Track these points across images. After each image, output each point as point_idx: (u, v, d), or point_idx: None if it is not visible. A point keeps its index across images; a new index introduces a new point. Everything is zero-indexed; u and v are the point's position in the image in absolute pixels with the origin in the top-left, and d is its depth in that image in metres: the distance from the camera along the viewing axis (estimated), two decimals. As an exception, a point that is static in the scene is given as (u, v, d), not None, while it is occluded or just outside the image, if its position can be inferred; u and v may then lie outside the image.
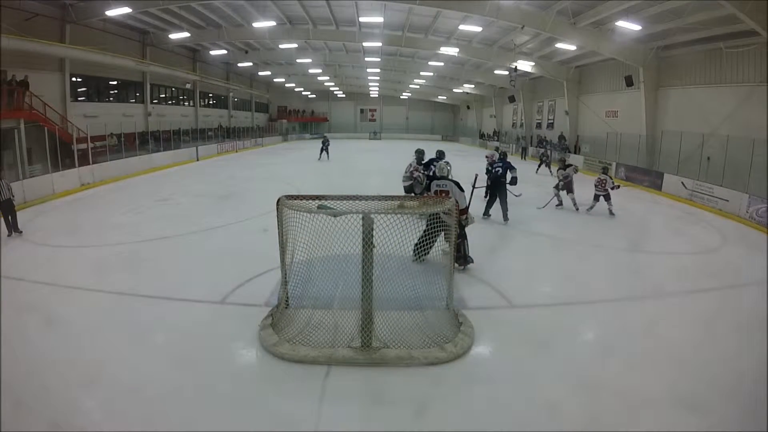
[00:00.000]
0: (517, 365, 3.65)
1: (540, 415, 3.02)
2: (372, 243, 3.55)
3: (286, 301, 4.29)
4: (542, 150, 19.85)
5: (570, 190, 9.61)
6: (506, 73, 21.01)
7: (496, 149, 16.12)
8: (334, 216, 3.77)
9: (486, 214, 8.54)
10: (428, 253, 5.10)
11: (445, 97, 38.80)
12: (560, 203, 9.84)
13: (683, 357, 3.78)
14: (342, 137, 38.72)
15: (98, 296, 4.86)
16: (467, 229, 5.69)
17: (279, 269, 4.24)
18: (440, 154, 8.56)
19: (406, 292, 4.22)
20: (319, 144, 20.92)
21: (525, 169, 18.89)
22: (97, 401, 3.14)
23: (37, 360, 3.52)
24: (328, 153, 20.16)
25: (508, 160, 8.79)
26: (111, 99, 18.35)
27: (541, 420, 2.97)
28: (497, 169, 8.49)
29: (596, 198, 9.28)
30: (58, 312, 4.41)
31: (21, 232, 7.19)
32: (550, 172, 15.15)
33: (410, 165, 8.62)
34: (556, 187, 9.80)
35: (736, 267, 6.42)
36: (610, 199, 9.18)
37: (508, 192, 8.50)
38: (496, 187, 8.43)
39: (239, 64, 27.02)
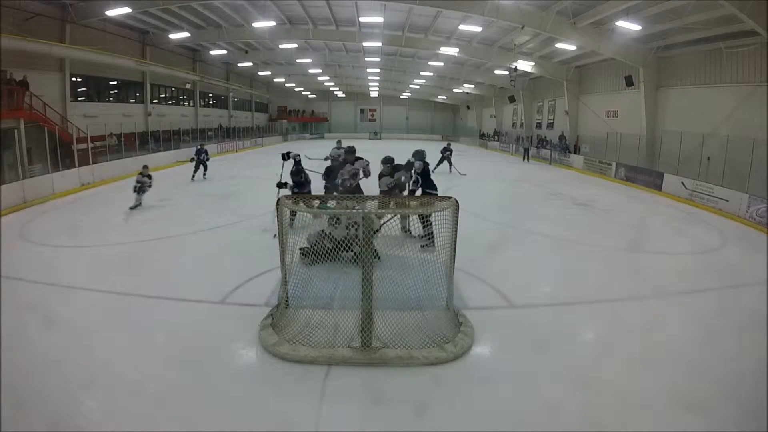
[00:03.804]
0: (517, 365, 3.65)
1: (540, 415, 3.02)
2: (372, 243, 3.55)
3: (286, 301, 4.29)
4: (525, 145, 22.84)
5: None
6: (506, 73, 21.02)
7: (448, 145, 16.75)
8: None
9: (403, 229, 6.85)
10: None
11: (445, 97, 38.80)
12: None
13: (683, 357, 3.77)
14: (342, 137, 38.62)
15: (98, 296, 4.86)
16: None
17: (279, 269, 4.25)
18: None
19: (406, 292, 4.23)
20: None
21: (524, 169, 18.98)
22: (97, 401, 3.14)
23: (37, 360, 3.52)
24: (205, 168, 13.84)
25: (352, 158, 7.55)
26: (111, 99, 18.35)
27: (541, 420, 2.97)
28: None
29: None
30: (58, 312, 4.41)
31: None
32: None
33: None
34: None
35: (736, 267, 6.41)
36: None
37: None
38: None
39: (239, 64, 27.03)
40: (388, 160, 6.92)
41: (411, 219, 6.79)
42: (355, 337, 3.70)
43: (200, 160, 13.77)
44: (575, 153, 19.80)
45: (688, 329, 4.34)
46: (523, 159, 22.33)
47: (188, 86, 24.57)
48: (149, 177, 9.33)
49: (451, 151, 16.06)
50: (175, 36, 18.67)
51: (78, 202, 10.39)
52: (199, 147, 14.19)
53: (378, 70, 29.51)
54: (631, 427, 2.91)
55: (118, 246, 6.72)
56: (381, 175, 6.97)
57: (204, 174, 13.88)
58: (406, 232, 6.81)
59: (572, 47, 16.00)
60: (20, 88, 12.52)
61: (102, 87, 17.67)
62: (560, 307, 4.80)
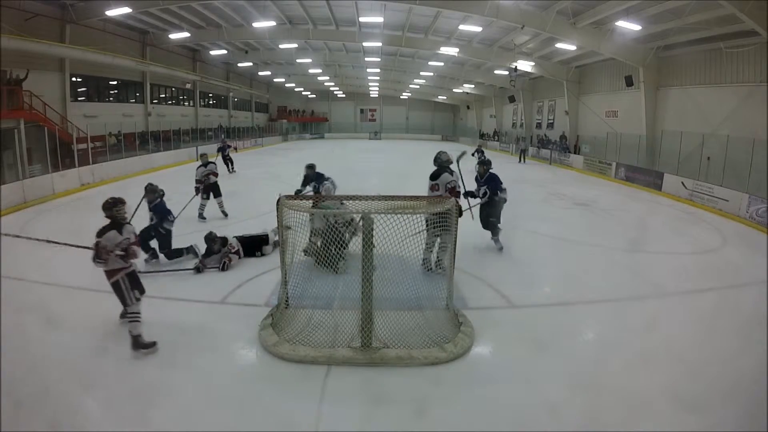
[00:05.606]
0: (517, 365, 3.65)
1: (540, 415, 3.02)
2: (372, 243, 3.54)
3: (286, 301, 4.29)
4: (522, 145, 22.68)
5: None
6: (506, 73, 21.01)
7: (479, 148, 18.05)
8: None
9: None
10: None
11: (445, 97, 38.79)
12: None
13: (683, 357, 3.77)
14: (342, 137, 38.79)
15: (98, 296, 4.83)
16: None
17: (279, 269, 4.24)
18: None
19: (406, 292, 4.22)
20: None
21: (523, 170, 18.97)
22: (97, 401, 3.15)
23: (37, 360, 3.52)
24: (231, 164, 15.50)
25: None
26: (111, 99, 18.35)
27: (541, 420, 2.97)
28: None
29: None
30: (58, 312, 4.41)
31: None
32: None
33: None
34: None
35: (736, 267, 6.41)
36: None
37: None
38: None
39: (239, 64, 27.02)
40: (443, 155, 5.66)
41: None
42: (355, 337, 3.70)
43: (225, 156, 15.35)
44: (575, 153, 19.78)
45: (688, 329, 4.34)
46: (519, 160, 21.45)
47: (188, 86, 24.55)
48: None
49: (483, 152, 17.24)
50: (175, 36, 18.67)
51: (78, 202, 10.37)
52: (221, 145, 16.02)
53: (378, 70, 29.50)
54: (631, 427, 2.91)
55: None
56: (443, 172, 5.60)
57: (230, 168, 15.28)
58: (430, 269, 5.33)
59: (572, 47, 16.00)
60: (18, 88, 12.51)
61: (102, 87, 17.67)
62: (560, 307, 4.80)
